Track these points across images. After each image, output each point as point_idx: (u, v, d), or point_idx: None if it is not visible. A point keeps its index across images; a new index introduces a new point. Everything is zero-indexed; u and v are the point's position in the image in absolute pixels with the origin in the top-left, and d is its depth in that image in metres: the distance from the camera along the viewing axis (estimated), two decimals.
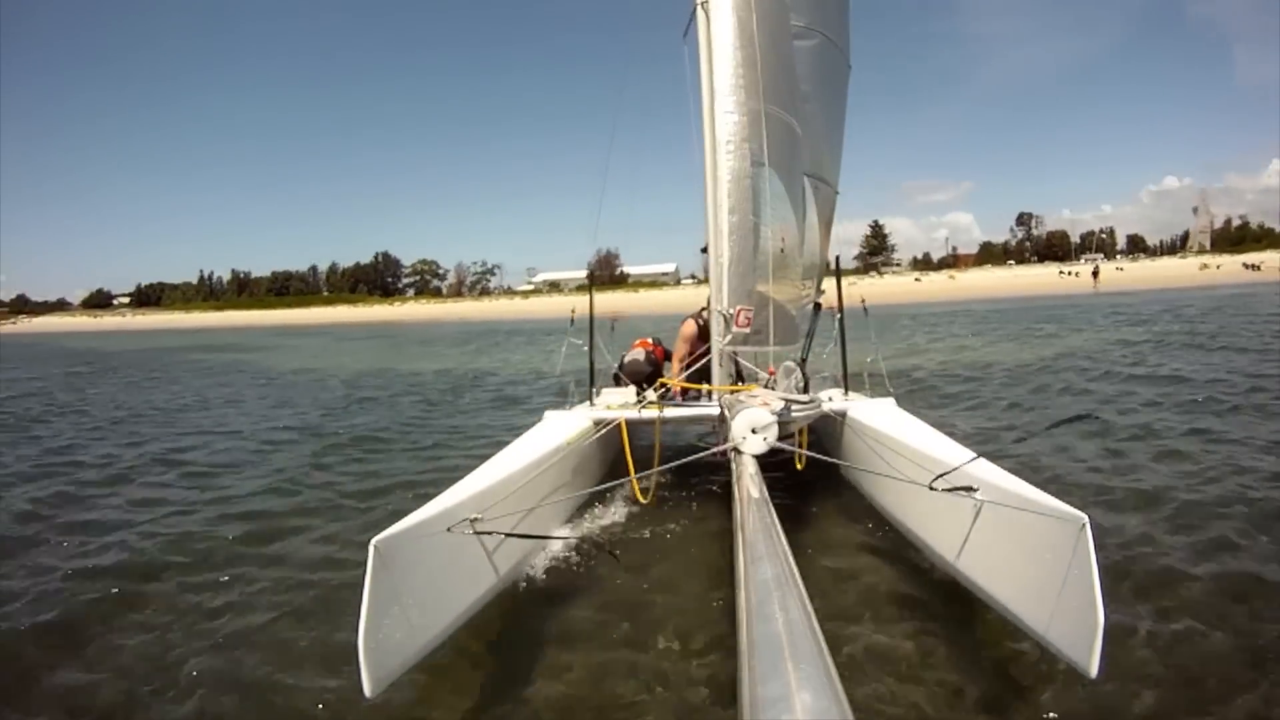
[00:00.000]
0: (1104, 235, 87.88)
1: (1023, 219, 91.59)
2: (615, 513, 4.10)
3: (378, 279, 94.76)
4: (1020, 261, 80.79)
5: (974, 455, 3.06)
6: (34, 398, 12.35)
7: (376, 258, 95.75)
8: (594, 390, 5.38)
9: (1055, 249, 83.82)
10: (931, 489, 2.71)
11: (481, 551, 2.73)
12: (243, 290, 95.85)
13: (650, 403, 4.44)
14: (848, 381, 5.38)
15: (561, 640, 2.81)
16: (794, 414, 3.56)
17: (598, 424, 4.21)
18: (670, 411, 4.43)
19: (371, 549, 2.14)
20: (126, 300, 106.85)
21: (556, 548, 3.54)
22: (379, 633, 2.09)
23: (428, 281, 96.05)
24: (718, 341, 4.58)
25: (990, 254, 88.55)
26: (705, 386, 4.63)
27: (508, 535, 2.74)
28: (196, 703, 2.48)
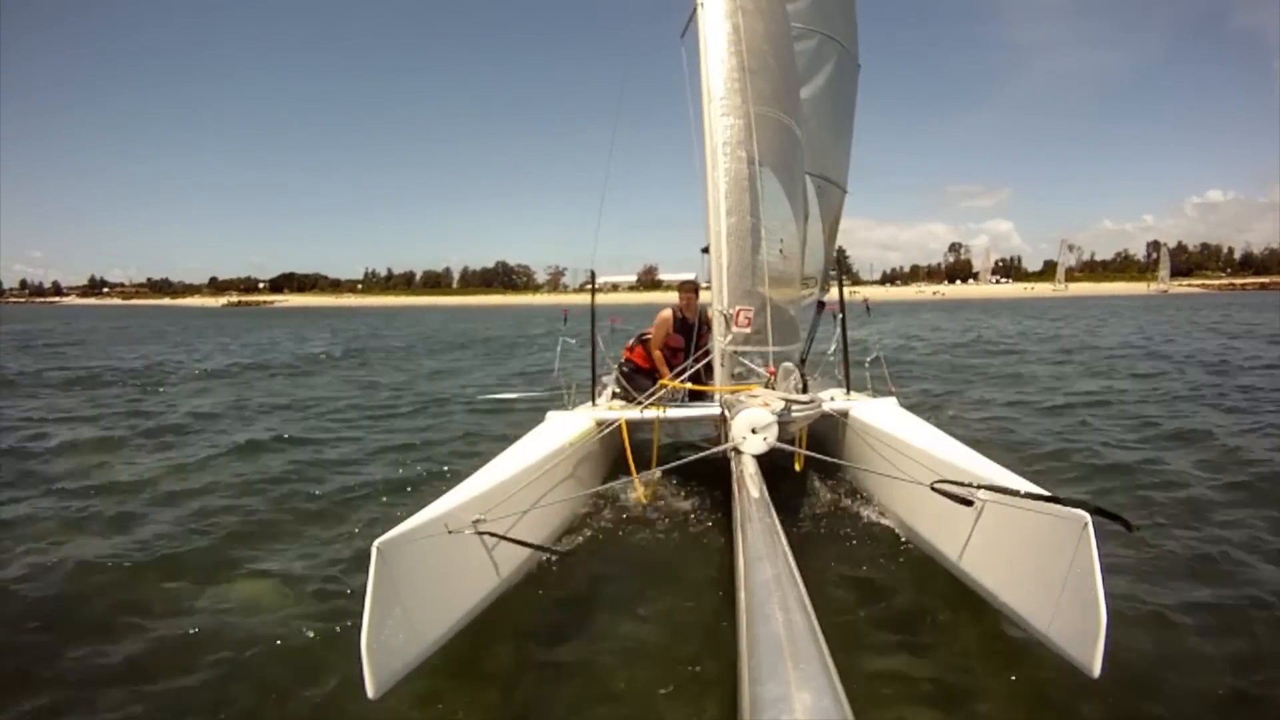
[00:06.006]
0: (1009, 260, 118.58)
1: (954, 247, 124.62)
2: (617, 513, 4.10)
3: (498, 279, 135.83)
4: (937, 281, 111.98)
5: (976, 455, 3.06)
6: None
7: (497, 265, 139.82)
8: (595, 390, 5.39)
9: (961, 271, 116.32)
10: (934, 489, 2.72)
11: (484, 552, 2.73)
12: (409, 284, 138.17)
13: (651, 403, 4.44)
14: (849, 381, 5.38)
15: (563, 640, 2.82)
16: (794, 414, 3.56)
17: (600, 424, 4.21)
18: (671, 412, 4.43)
19: (374, 550, 2.14)
20: (263, 285, 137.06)
21: (559, 548, 3.54)
22: (382, 634, 2.09)
23: (527, 281, 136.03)
24: (719, 341, 4.58)
25: (916, 274, 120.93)
26: (707, 387, 4.64)
27: (510, 536, 2.74)
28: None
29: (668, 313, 5.49)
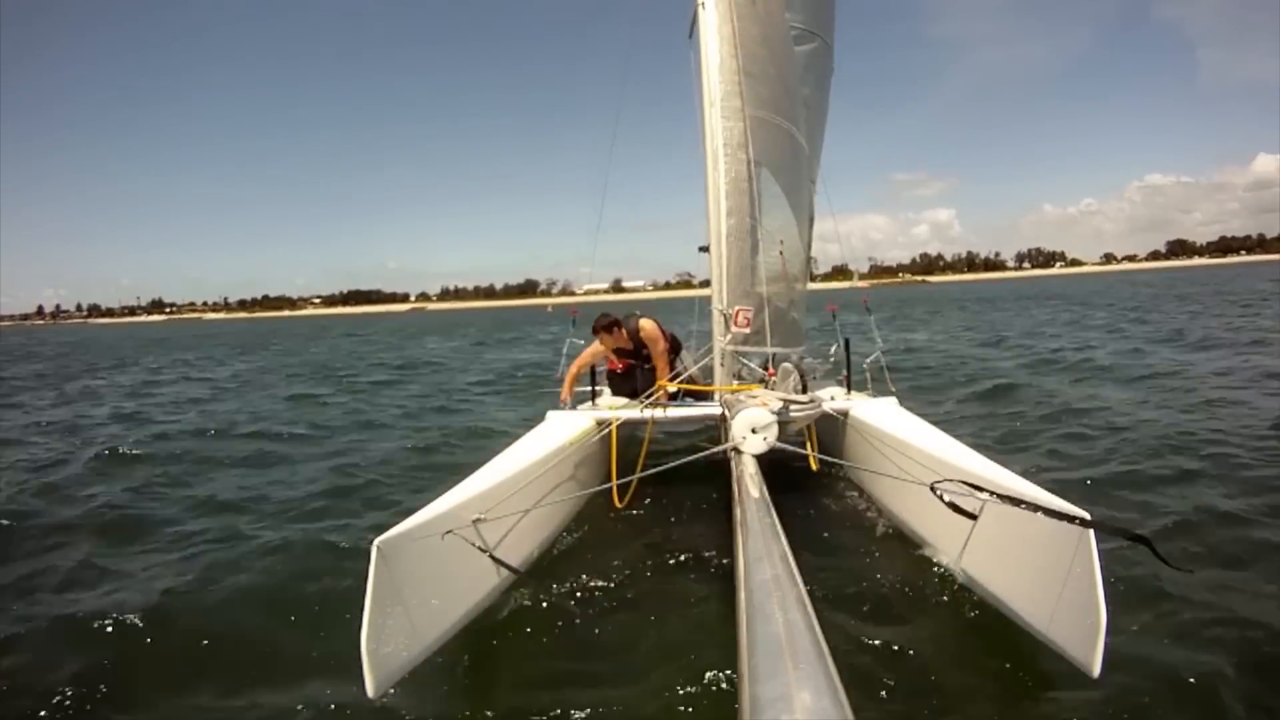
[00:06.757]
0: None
1: None
2: (616, 512, 4.09)
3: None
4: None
5: (978, 456, 3.06)
6: None
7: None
8: (595, 390, 5.39)
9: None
10: (934, 489, 2.71)
11: (484, 552, 2.73)
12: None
13: (651, 403, 4.44)
14: (850, 380, 5.37)
15: (563, 640, 2.82)
16: (794, 414, 3.56)
17: (599, 424, 4.21)
18: (672, 411, 4.43)
19: (374, 550, 2.14)
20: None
21: (558, 547, 3.54)
22: (381, 634, 2.09)
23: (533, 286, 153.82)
24: (719, 341, 4.59)
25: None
26: (707, 387, 4.64)
27: (510, 535, 2.74)
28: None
29: (597, 347, 5.33)
